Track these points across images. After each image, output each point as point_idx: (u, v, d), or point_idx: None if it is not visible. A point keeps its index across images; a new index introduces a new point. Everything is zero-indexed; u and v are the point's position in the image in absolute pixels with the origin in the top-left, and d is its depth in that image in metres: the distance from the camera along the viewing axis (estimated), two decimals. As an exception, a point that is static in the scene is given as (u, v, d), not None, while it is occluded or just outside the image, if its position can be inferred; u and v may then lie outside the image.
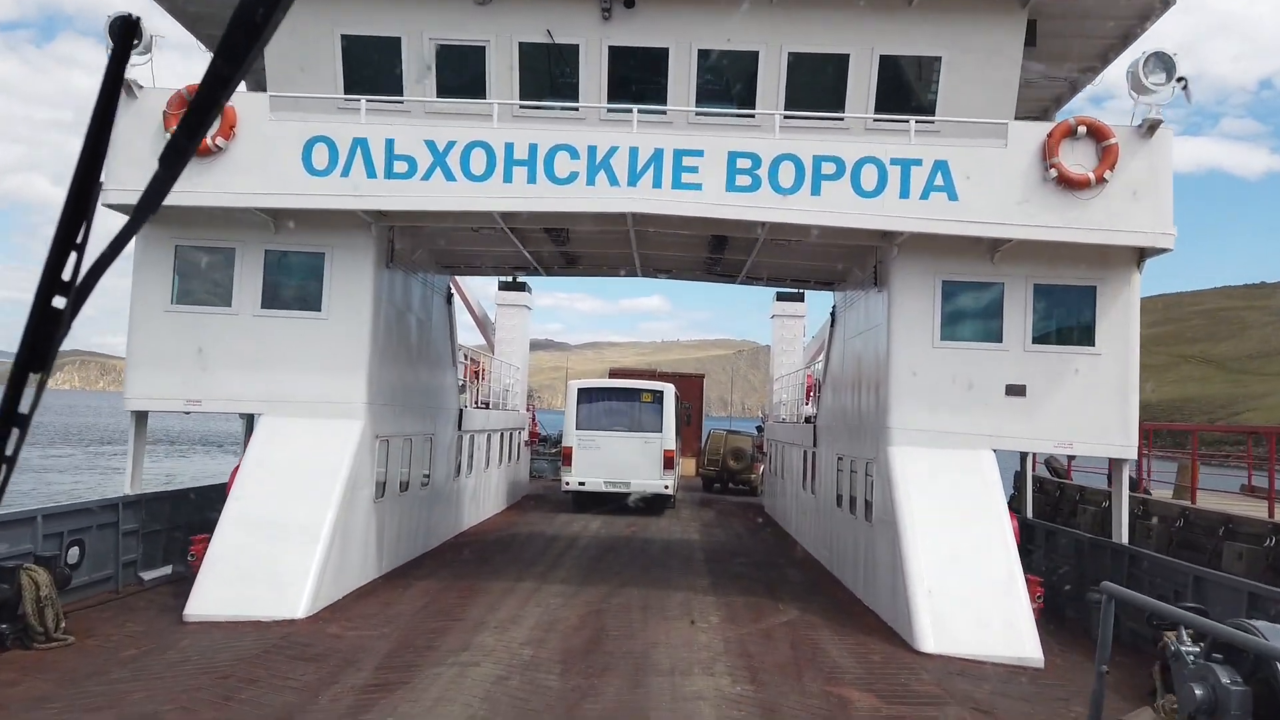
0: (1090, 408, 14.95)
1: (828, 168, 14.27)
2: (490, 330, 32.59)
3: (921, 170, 14.21)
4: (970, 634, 12.97)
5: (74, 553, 13.68)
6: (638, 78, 15.47)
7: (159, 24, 16.03)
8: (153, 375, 15.25)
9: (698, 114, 15.32)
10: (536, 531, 24.30)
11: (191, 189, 13.70)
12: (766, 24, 15.11)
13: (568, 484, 28.68)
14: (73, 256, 1.19)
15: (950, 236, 14.58)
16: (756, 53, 15.31)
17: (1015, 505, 18.76)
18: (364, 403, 15.49)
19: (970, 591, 13.40)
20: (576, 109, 15.52)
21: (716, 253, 17.71)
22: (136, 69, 14.27)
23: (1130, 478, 21.66)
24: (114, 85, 1.24)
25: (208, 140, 14.41)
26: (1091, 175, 14.01)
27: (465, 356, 24.39)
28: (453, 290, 21.35)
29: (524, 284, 32.57)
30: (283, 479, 14.45)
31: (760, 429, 40.16)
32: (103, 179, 1.20)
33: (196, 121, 1.20)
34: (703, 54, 15.34)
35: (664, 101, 15.33)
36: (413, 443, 18.39)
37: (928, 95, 15.35)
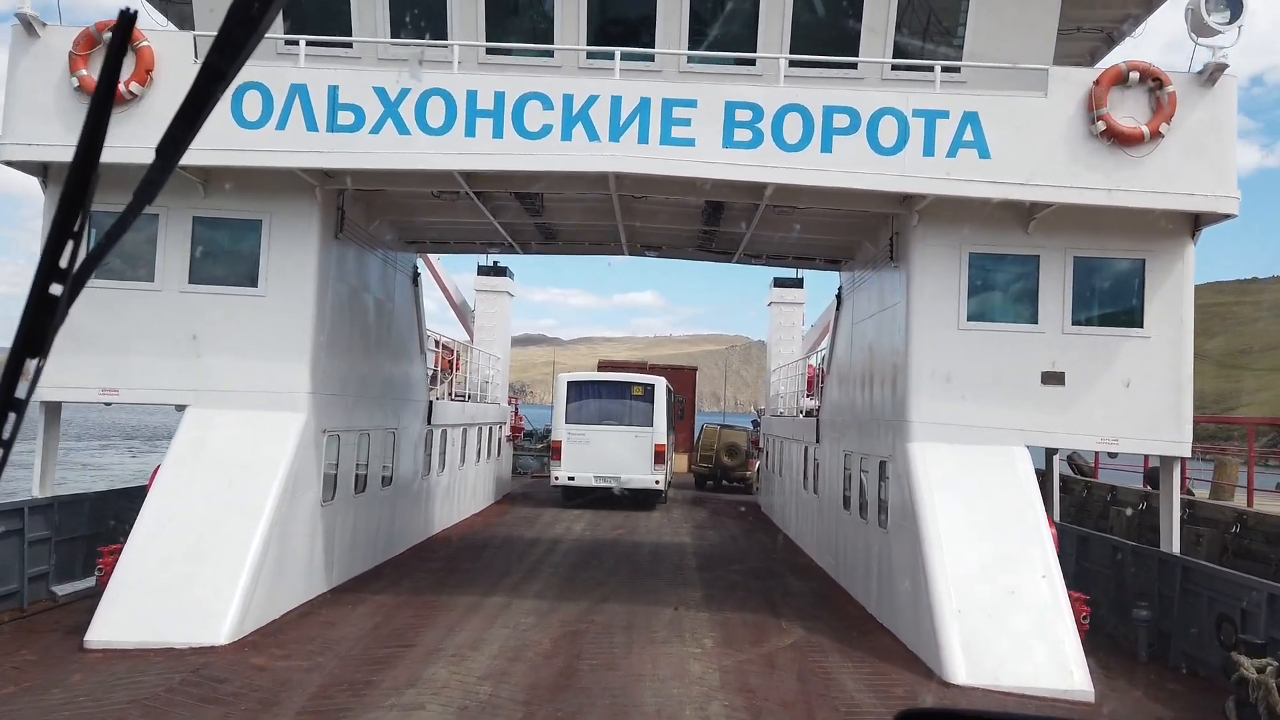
0: (1138, 398, 13.07)
1: (840, 120, 12.35)
2: (469, 318, 30.58)
3: (948, 124, 12.30)
4: (1008, 662, 11.09)
5: None
6: (621, 17, 13.50)
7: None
8: (63, 361, 13.18)
9: (690, 60, 13.37)
10: (515, 534, 22.35)
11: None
12: (769, -43, 13.19)
13: (557, 478, 28.10)
14: (69, 245, 1.20)
15: (980, 202, 12.70)
16: None
17: (1041, 507, 16.87)
18: (307, 393, 13.52)
19: (1006, 611, 11.51)
20: (551, 53, 13.55)
21: (711, 224, 15.75)
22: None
23: (1155, 474, 19.91)
24: (111, 76, 1.23)
25: (121, 87, 12.42)
26: (1145, 129, 12.12)
27: (437, 344, 22.41)
28: (419, 270, 19.35)
29: (504, 268, 30.55)
30: (209, 480, 12.48)
31: (756, 423, 38.27)
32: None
33: (194, 111, 1.18)
34: None
35: (652, 45, 13.37)
36: (370, 438, 16.42)
37: (954, 39, 13.41)
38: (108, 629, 11.04)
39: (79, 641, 11.00)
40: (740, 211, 15.28)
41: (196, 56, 12.43)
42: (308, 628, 12.36)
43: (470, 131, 12.41)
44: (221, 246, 13.68)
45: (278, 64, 12.65)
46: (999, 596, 11.70)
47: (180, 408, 13.37)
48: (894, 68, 13.41)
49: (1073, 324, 13.25)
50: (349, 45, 13.44)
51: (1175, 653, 12.55)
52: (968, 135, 12.29)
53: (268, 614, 12.31)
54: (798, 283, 30.27)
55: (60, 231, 1.19)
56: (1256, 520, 15.70)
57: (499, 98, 12.35)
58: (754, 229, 15.67)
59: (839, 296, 18.99)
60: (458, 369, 24.42)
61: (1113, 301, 13.58)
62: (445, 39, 13.21)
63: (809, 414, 22.76)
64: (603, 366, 43.08)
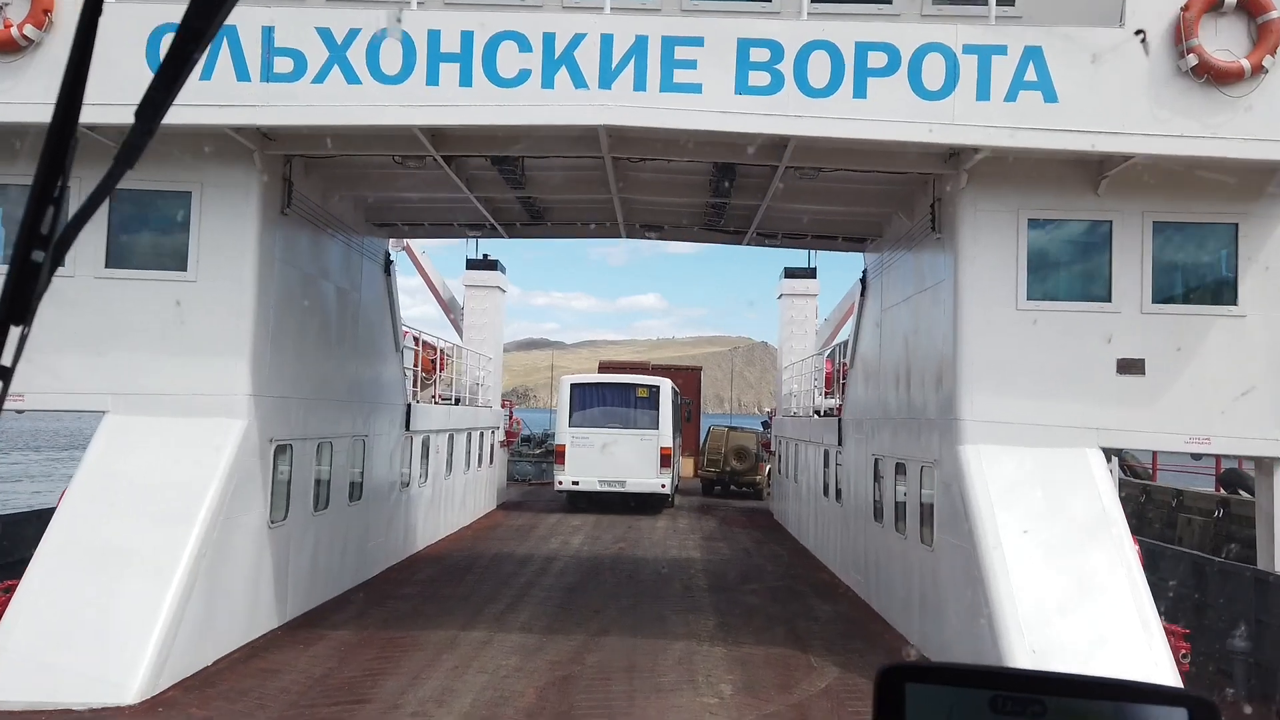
0: (1233, 389, 10.98)
1: (876, 59, 10.28)
2: (458, 316, 28.52)
3: (1006, 61, 10.22)
4: None
5: None
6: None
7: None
8: (-42, 361, 11.16)
9: (695, -9, 11.31)
10: (506, 551, 20.26)
11: (-8, 97, 9.84)
12: None
13: (560, 483, 27.29)
14: (50, 210, 1.19)
15: (1043, 156, 10.64)
16: None
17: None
18: (248, 395, 11.45)
19: (1092, 655, 9.40)
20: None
21: (720, 196, 13.63)
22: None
23: (1231, 476, 17.79)
24: (86, 37, 1.17)
25: (13, 30, 10.39)
26: (1245, 63, 10.03)
27: (417, 342, 20.34)
28: (392, 258, 17.26)
29: (495, 261, 28.49)
30: (125, 502, 10.41)
31: (766, 425, 36.17)
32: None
33: (172, 74, 1.16)
34: None
35: (648, -25, 11.32)
36: (333, 447, 14.35)
37: None
38: (-9, 687, 8.99)
39: (-40, 701, 8.95)
40: (754, 179, 13.18)
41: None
42: (244, 677, 10.29)
43: (433, 79, 10.35)
44: (144, 224, 11.64)
45: (203, 3, 10.60)
46: (1082, 636, 9.60)
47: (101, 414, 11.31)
48: (935, 3, 11.35)
49: (1153, 302, 11.17)
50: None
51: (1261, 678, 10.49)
52: (1029, 75, 10.20)
53: (195, 662, 10.24)
54: (810, 273, 28.21)
55: (40, 197, 1.18)
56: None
57: (466, 38, 10.29)
58: (770, 200, 13.57)
59: (863, 281, 16.89)
60: (442, 369, 22.33)
61: (1200, 275, 11.52)
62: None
63: (828, 414, 20.67)
64: (604, 368, 41.02)
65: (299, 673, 10.51)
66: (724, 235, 16.51)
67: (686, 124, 10.42)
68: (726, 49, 10.28)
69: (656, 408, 27.55)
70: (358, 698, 9.63)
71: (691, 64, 10.28)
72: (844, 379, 19.49)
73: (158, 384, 11.10)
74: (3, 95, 10.12)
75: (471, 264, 28.28)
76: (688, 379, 41.12)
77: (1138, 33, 10.09)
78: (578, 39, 10.28)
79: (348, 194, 14.30)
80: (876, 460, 15.25)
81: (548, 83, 10.31)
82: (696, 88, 10.29)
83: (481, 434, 26.19)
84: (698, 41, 10.29)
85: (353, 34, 10.29)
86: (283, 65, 10.31)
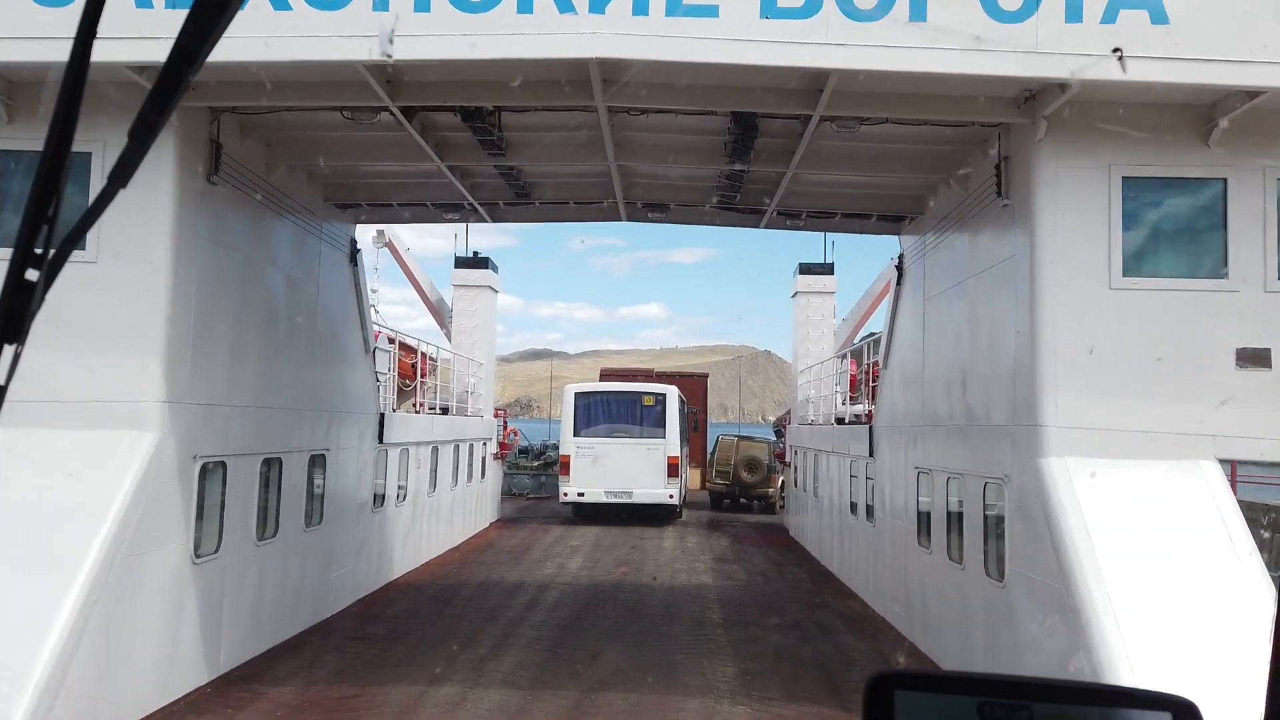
0: (1382, 385, 8.80)
1: (938, -30, 8.15)
2: (446, 318, 26.39)
3: (1103, -28, 8.10)
4: None
5: None
6: None
7: None
8: None
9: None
10: (494, 578, 18.07)
11: None
12: None
13: (566, 495, 26.69)
14: (44, 229, 1.19)
15: (1145, 98, 8.49)
16: None
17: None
18: (160, 402, 9.31)
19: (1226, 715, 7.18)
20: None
21: (738, 160, 11.45)
22: None
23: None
24: (81, 59, 1.20)
25: None
26: None
27: (394, 343, 18.19)
28: (359, 247, 15.13)
29: (486, 259, 26.36)
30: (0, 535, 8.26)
31: (779, 433, 33.98)
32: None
33: (165, 97, 1.17)
34: None
35: None
36: (284, 464, 12.20)
37: None
38: None
39: None
40: (778, 138, 11.01)
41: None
42: (144, 759, 8.12)
43: (381, 3, 8.25)
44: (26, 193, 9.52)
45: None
46: (1213, 697, 7.38)
47: None
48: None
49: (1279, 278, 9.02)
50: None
51: None
52: (1133, -11, 8.09)
53: (80, 740, 8.06)
54: (827, 268, 26.08)
55: (35, 216, 1.18)
56: None
57: (422, -50, 8.20)
58: (796, 166, 11.39)
59: (899, 268, 14.72)
60: (424, 376, 20.17)
61: (1338, 244, 9.33)
62: None
63: (856, 421, 18.49)
64: (605, 376, 38.82)
65: (216, 751, 8.34)
66: (739, 216, 14.32)
67: (698, 55, 8.29)
68: (749, -39, 8.17)
69: (663, 416, 26.89)
70: (281, 791, 7.46)
71: (705, -18, 8.17)
72: (874, 381, 17.32)
73: (44, 388, 8.92)
74: None
75: (460, 262, 26.18)
76: (693, 387, 38.93)
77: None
78: (562, -50, 8.18)
79: (298, 164, 12.15)
80: (921, 474, 13.07)
81: (525, 6, 8.20)
82: (712, 10, 8.18)
83: (471, 446, 24.02)
84: (713, -48, 8.19)
85: (279, -53, 8.20)
86: (193, -13, 8.20)
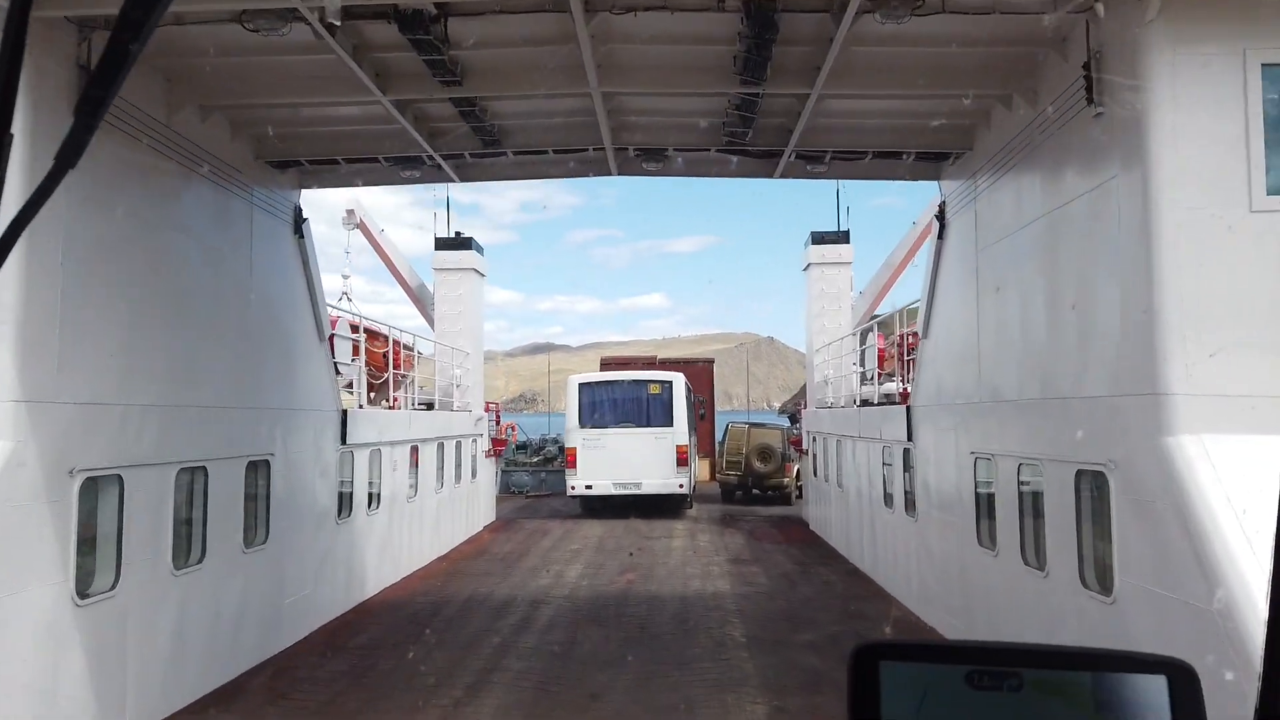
0: None
1: None
2: (428, 305, 24.21)
3: None
4: None
5: None
6: None
7: None
8: None
9: None
10: (482, 592, 15.94)
11: None
12: None
13: (573, 489, 26.05)
14: None
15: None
16: None
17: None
18: (14, 402, 7.17)
19: None
20: None
21: (750, 81, 9.20)
22: None
23: None
24: (19, 32, 1.13)
25: None
26: None
27: (360, 330, 16.02)
28: (305, 216, 12.88)
29: (469, 240, 24.14)
30: None
31: (794, 419, 31.82)
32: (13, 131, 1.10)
33: (112, 69, 1.12)
34: None
35: None
36: (209, 475, 10.06)
37: None
38: None
39: None
40: (803, 44, 8.78)
41: None
42: None
43: None
44: None
45: None
46: None
47: None
48: None
49: None
50: None
51: None
52: None
53: None
54: (842, 237, 23.82)
55: None
56: None
57: None
58: (824, 84, 9.16)
59: (940, 218, 12.52)
60: (398, 366, 17.98)
61: None
62: None
63: (888, 401, 16.32)
64: (605, 366, 36.68)
65: None
66: (751, 163, 12.07)
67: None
68: None
69: (670, 404, 26.00)
70: None
71: None
72: (909, 356, 15.14)
73: None
74: None
75: (441, 244, 23.98)
76: (699, 374, 36.73)
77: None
78: None
79: (212, 107, 9.94)
80: (979, 460, 10.91)
81: None
82: None
83: (459, 443, 21.88)
84: None
85: None
86: None
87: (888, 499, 15.62)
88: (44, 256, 7.43)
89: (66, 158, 1.16)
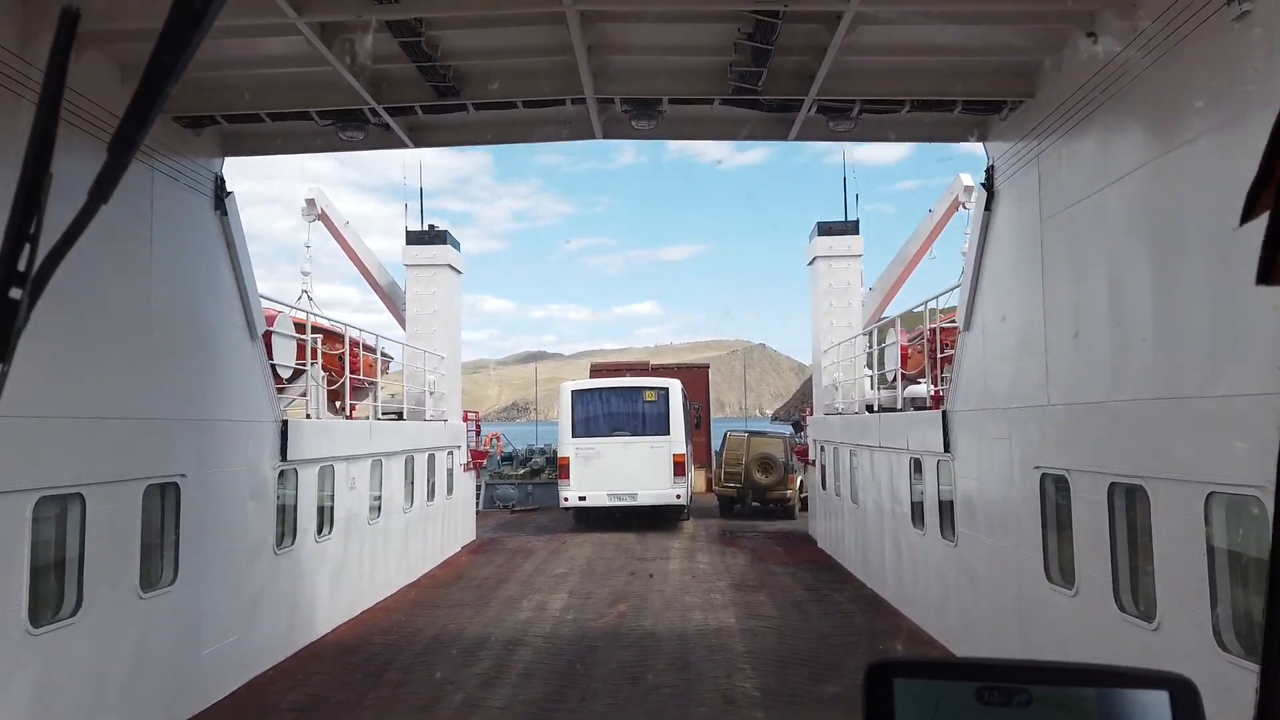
0: None
1: None
2: (399, 305, 22.11)
3: None
4: None
5: None
6: None
7: None
8: None
9: None
10: (451, 630, 13.84)
11: None
12: None
13: (566, 500, 24.87)
14: (26, 248, 1.18)
15: None
16: None
17: None
18: None
19: None
20: None
21: (764, 10, 7.15)
22: None
23: None
24: (59, 75, 1.17)
25: None
26: None
27: (303, 329, 13.89)
28: (228, 188, 10.76)
29: (444, 233, 22.06)
30: None
31: (797, 426, 29.83)
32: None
33: (144, 111, 1.14)
34: None
35: None
36: (87, 505, 7.97)
37: None
38: None
39: None
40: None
41: None
42: None
43: None
44: None
45: None
46: None
47: None
48: None
49: None
50: None
51: None
52: None
53: None
54: (851, 227, 21.85)
55: (16, 235, 1.17)
56: None
57: None
58: (858, 4, 7.13)
59: (987, 186, 10.49)
60: (357, 370, 15.85)
61: None
62: None
63: (915, 405, 14.30)
64: (595, 373, 34.72)
65: None
66: (762, 123, 9.96)
67: None
68: None
69: (667, 411, 24.96)
70: None
71: None
72: (940, 352, 13.13)
73: None
74: None
75: (413, 238, 21.88)
76: (695, 380, 34.70)
77: None
78: None
79: (86, 40, 7.86)
80: (1047, 478, 8.88)
81: None
82: None
83: (432, 456, 19.80)
84: None
85: None
86: None
87: (917, 518, 13.59)
88: None
89: (99, 194, 1.19)
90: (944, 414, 11.97)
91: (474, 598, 16.32)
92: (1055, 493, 8.81)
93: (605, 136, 10.53)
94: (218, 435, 10.30)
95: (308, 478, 12.94)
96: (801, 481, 27.69)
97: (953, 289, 13.21)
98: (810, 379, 26.61)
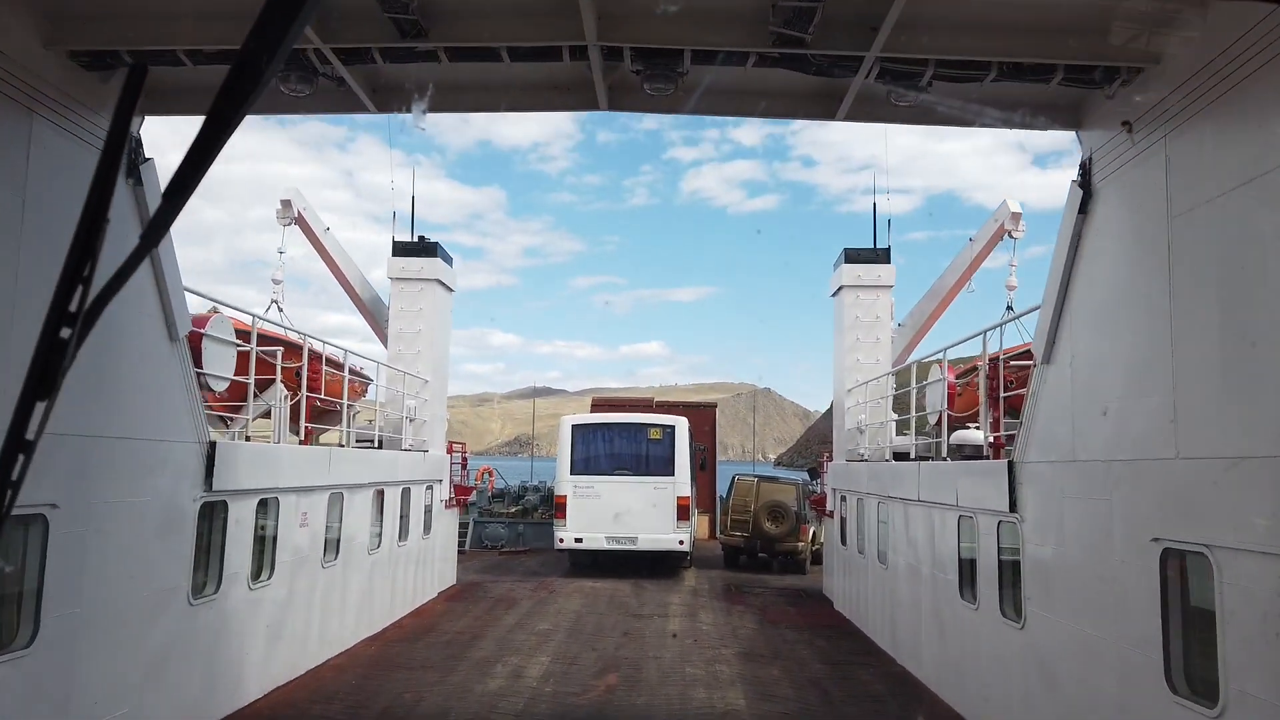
0: None
1: None
2: (382, 321, 20.09)
3: None
4: None
5: None
6: None
7: None
8: None
9: None
10: (404, 702, 11.62)
11: None
12: None
13: (561, 541, 23.44)
14: (79, 289, 1.25)
15: None
16: None
17: None
18: None
19: None
20: None
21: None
22: None
23: None
24: (121, 130, 1.27)
25: None
26: None
27: (248, 338, 11.83)
28: (144, 153, 8.79)
29: (434, 245, 20.06)
30: None
31: (814, 473, 27.65)
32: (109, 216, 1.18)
33: (199, 159, 1.20)
34: None
35: None
36: None
37: None
38: None
39: None
40: None
41: None
42: None
43: None
44: None
45: None
46: None
47: None
48: None
49: None
50: None
51: None
52: None
53: None
54: (882, 255, 19.85)
55: (70, 277, 1.23)
56: None
57: None
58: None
59: (1084, 185, 8.45)
60: (317, 389, 13.76)
61: None
62: None
63: (965, 454, 12.15)
64: (597, 407, 32.77)
65: None
66: (804, 94, 8.00)
67: None
68: None
69: (672, 451, 23.50)
70: None
71: None
72: (1002, 391, 11.03)
73: None
74: None
75: (400, 249, 19.91)
76: (700, 420, 32.51)
77: None
78: None
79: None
80: (1171, 555, 6.73)
81: None
82: None
83: (406, 490, 17.66)
84: None
85: None
86: None
87: (965, 588, 11.40)
88: None
89: (153, 237, 1.26)
90: (1009, 465, 9.84)
91: (441, 657, 14.09)
92: (1185, 575, 6.67)
93: (611, 108, 8.51)
94: (107, 456, 8.22)
95: (242, 512, 10.82)
96: (815, 533, 25.49)
97: (1016, 317, 11.11)
98: (814, 424, 24.68)
